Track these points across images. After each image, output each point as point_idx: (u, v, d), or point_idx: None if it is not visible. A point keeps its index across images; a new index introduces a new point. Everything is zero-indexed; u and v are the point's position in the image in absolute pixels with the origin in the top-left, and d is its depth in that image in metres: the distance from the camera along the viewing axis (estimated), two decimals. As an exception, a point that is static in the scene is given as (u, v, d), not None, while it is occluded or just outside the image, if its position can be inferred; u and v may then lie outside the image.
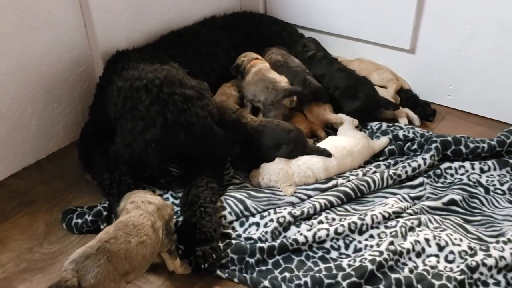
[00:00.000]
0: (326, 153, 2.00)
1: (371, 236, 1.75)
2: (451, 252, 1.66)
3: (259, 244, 1.69)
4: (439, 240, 1.68)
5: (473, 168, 2.06)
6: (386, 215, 1.79)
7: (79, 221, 1.83)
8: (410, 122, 2.39)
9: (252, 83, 2.26)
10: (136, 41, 2.38)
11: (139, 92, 1.76)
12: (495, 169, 2.06)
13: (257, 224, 1.80)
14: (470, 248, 1.67)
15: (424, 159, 2.03)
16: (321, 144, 2.08)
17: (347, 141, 2.08)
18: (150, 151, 1.76)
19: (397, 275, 1.58)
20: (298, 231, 1.76)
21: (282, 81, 2.26)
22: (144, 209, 1.50)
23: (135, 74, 1.81)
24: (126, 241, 1.39)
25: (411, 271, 1.60)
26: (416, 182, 2.00)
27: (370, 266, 1.57)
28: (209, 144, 1.86)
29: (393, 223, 1.77)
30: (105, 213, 1.84)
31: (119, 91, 1.80)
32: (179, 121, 1.74)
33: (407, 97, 2.48)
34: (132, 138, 1.77)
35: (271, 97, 2.18)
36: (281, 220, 1.77)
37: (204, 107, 1.81)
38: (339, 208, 1.88)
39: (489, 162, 2.07)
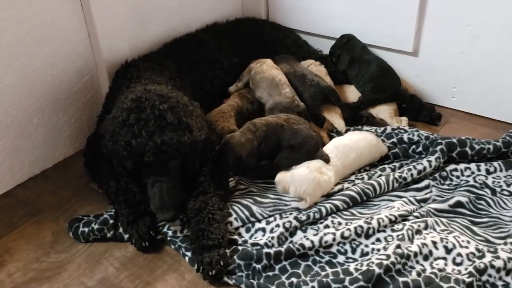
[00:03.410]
0: (323, 158, 1.99)
1: (378, 239, 1.74)
2: (459, 254, 1.65)
3: (265, 250, 1.69)
4: (447, 242, 1.67)
5: (479, 170, 2.05)
6: (393, 218, 1.78)
7: (86, 229, 1.84)
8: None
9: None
10: (139, 49, 2.40)
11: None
12: (501, 170, 2.05)
13: (263, 230, 1.79)
14: (478, 250, 1.66)
15: (429, 161, 2.03)
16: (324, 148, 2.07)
17: (348, 138, 2.07)
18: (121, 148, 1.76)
19: (405, 279, 1.57)
20: (305, 236, 1.76)
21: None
22: None
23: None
24: None
25: (419, 274, 1.59)
26: (422, 184, 1.99)
27: (377, 270, 1.57)
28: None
29: (400, 226, 1.76)
30: (111, 221, 1.84)
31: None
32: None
33: (412, 102, 2.47)
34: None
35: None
36: (287, 225, 1.77)
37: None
38: (345, 212, 1.87)
39: (495, 163, 2.06)
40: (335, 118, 2.31)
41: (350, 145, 2.03)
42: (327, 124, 2.31)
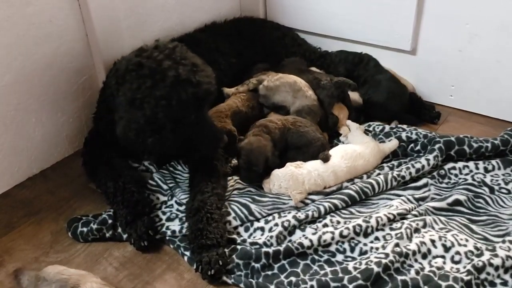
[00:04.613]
0: (321, 157, 2.00)
1: (377, 238, 1.74)
2: (457, 252, 1.65)
3: (264, 249, 1.69)
4: (445, 241, 1.68)
5: (477, 168, 2.05)
6: (391, 217, 1.79)
7: (85, 229, 1.84)
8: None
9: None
10: (138, 49, 2.40)
11: (147, 53, 1.80)
12: (499, 168, 2.05)
13: (262, 229, 1.80)
14: (476, 248, 1.66)
15: (427, 160, 2.03)
16: (331, 151, 2.07)
17: (357, 146, 2.09)
18: (160, 111, 1.70)
19: (403, 277, 1.57)
20: (303, 235, 1.76)
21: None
22: None
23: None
24: None
25: (417, 272, 1.59)
26: (420, 183, 2.00)
27: (376, 269, 1.57)
28: (201, 124, 1.83)
29: (398, 224, 1.76)
30: (110, 221, 1.84)
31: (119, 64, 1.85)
32: (189, 78, 1.74)
33: (411, 100, 2.47)
34: (141, 95, 1.71)
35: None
36: (286, 224, 1.77)
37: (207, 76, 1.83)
38: (343, 211, 1.88)
39: (493, 162, 2.06)
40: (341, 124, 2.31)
41: (359, 151, 2.04)
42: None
